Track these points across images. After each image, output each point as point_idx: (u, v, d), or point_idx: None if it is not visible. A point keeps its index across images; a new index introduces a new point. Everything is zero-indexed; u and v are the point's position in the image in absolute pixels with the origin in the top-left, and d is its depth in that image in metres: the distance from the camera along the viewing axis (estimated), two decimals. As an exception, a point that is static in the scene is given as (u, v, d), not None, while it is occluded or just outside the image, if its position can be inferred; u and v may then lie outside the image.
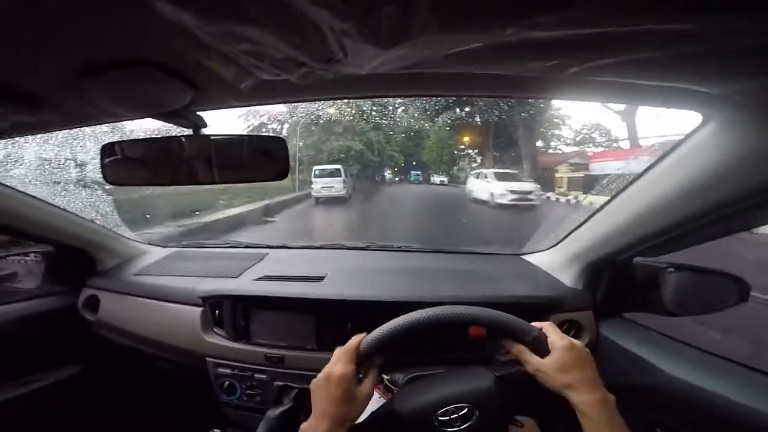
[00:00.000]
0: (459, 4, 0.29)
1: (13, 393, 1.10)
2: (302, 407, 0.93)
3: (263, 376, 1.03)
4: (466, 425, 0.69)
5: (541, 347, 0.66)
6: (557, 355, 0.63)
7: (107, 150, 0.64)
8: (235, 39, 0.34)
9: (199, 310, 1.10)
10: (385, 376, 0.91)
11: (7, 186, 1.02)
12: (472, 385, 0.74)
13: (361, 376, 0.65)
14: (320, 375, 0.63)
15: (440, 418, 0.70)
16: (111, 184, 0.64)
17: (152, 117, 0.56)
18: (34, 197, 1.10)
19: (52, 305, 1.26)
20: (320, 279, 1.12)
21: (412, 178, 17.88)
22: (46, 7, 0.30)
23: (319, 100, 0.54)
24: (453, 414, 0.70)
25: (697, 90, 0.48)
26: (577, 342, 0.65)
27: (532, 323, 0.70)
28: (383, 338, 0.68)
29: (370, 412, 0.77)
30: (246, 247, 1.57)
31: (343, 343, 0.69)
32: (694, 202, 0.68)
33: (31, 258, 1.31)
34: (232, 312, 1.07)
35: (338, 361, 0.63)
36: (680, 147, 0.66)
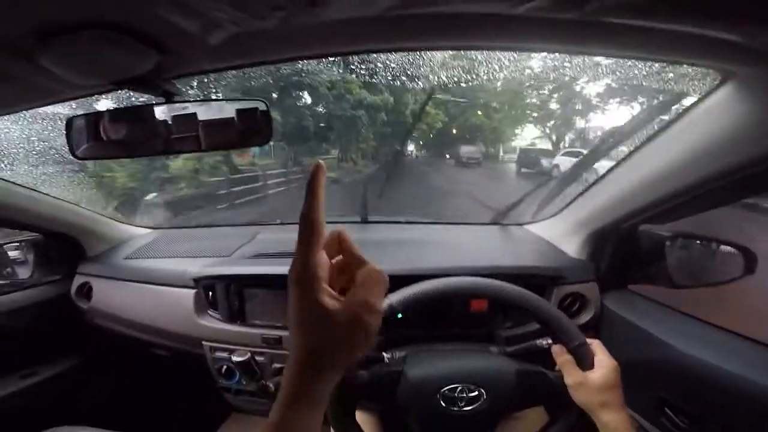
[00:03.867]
0: None
1: (13, 387, 1.09)
2: None
3: (262, 359, 1.00)
4: (470, 407, 0.68)
5: (585, 361, 0.65)
6: (602, 373, 0.63)
7: (74, 123, 0.59)
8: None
9: (192, 292, 1.07)
10: (385, 354, 0.89)
11: None
12: (492, 371, 0.72)
13: None
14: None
15: (446, 393, 0.68)
16: (80, 159, 0.59)
17: (117, 87, 0.51)
18: (18, 184, 1.05)
19: (46, 295, 1.24)
20: None
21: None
22: None
23: (302, 59, 0.49)
24: (461, 393, 0.68)
25: (723, 38, 0.42)
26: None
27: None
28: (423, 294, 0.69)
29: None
30: (238, 225, 1.54)
31: None
32: (705, 167, 0.64)
33: (21, 247, 1.26)
34: (225, 293, 1.04)
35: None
36: (695, 108, 0.62)
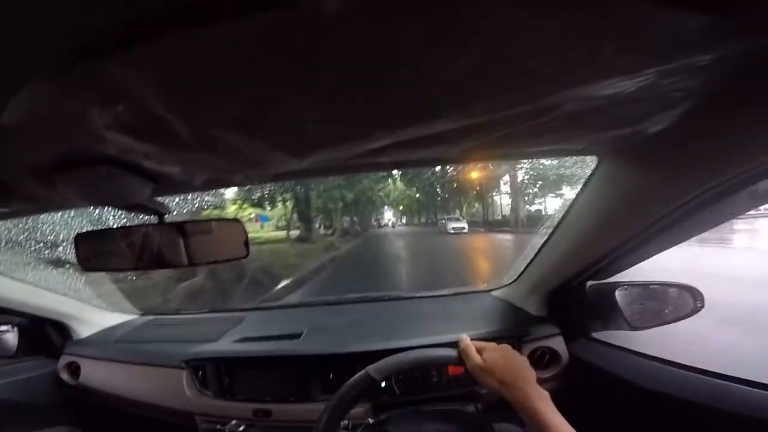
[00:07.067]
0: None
1: None
2: None
3: (254, 430, 1.04)
4: None
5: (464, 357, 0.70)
6: (485, 356, 0.68)
7: (81, 239, 0.68)
8: (170, 158, 0.41)
9: (183, 372, 1.12)
10: (371, 419, 0.93)
11: None
12: (465, 429, 0.77)
13: None
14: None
15: None
16: (86, 271, 0.68)
17: (118, 208, 0.62)
18: (3, 274, 1.13)
19: (32, 371, 1.28)
20: (298, 336, 1.15)
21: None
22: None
23: (269, 182, 0.62)
24: None
25: (577, 141, 0.57)
26: (502, 346, 0.71)
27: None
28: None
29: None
30: (224, 311, 1.60)
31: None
32: (615, 230, 0.75)
33: (6, 329, 1.29)
34: (216, 372, 1.09)
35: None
36: (589, 183, 0.75)
